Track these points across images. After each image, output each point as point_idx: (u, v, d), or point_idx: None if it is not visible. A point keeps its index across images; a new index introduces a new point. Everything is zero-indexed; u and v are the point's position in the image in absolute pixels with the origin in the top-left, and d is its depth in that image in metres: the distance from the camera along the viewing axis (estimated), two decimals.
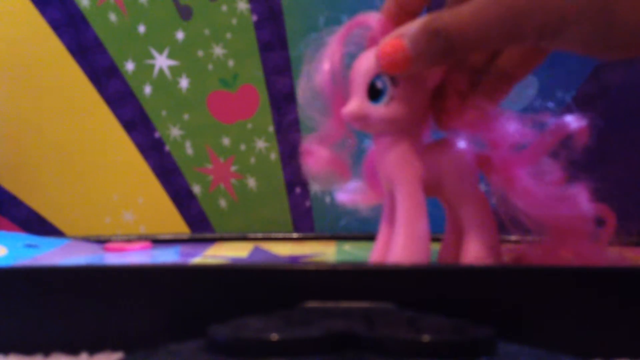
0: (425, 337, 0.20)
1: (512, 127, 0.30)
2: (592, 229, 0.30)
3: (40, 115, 0.56)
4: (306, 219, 0.56)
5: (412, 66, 0.28)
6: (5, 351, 0.26)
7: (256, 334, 0.20)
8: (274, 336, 0.20)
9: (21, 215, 0.56)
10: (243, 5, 0.54)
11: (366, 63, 0.30)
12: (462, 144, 0.31)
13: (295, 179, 0.56)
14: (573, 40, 0.25)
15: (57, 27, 0.55)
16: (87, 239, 0.48)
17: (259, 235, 0.51)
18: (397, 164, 0.30)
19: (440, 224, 0.34)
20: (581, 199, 0.30)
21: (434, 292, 0.26)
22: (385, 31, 0.30)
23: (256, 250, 0.44)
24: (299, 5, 0.54)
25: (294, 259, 0.39)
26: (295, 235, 0.51)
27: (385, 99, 0.29)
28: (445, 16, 0.27)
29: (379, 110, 0.29)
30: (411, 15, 0.30)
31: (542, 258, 0.31)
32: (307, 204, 0.56)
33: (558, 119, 0.31)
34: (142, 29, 0.55)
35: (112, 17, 0.55)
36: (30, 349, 0.26)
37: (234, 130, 0.56)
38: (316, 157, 0.32)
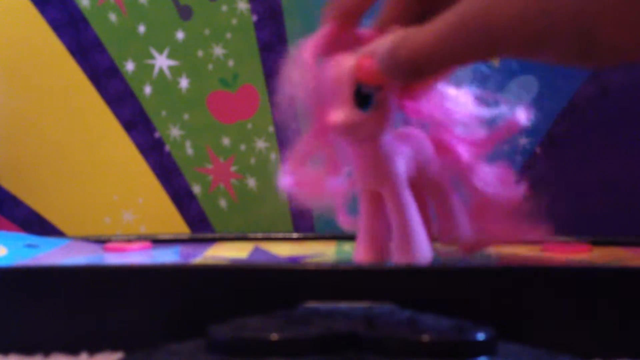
0: (425, 337, 0.20)
1: (469, 109, 0.31)
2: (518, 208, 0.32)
3: (40, 115, 0.56)
4: (306, 219, 0.56)
5: (386, 80, 0.28)
6: (5, 351, 0.26)
7: (256, 334, 0.20)
8: (274, 336, 0.20)
9: (21, 215, 0.56)
10: (243, 5, 0.54)
11: (344, 71, 0.28)
12: (419, 130, 0.32)
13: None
14: (551, 54, 0.25)
15: (57, 27, 0.55)
16: (87, 239, 0.48)
17: (259, 235, 0.51)
18: (382, 167, 0.30)
19: None
20: (508, 178, 0.32)
21: (434, 292, 0.26)
22: (335, 37, 0.30)
23: (256, 250, 0.44)
24: (299, 5, 0.54)
25: (294, 259, 0.39)
26: (295, 235, 0.51)
27: (372, 104, 0.28)
28: (413, 40, 0.27)
29: (367, 116, 0.28)
30: (356, 16, 0.30)
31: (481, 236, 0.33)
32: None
33: (511, 113, 0.32)
34: (142, 29, 0.55)
35: (112, 17, 0.55)
36: (30, 349, 0.26)
37: (234, 130, 0.56)
38: (309, 184, 0.32)
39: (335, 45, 0.30)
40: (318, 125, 0.31)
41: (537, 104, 0.33)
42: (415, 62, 0.26)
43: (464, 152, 0.32)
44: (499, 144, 0.32)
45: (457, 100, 0.31)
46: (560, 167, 0.52)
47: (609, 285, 0.26)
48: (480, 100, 0.31)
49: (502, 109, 0.32)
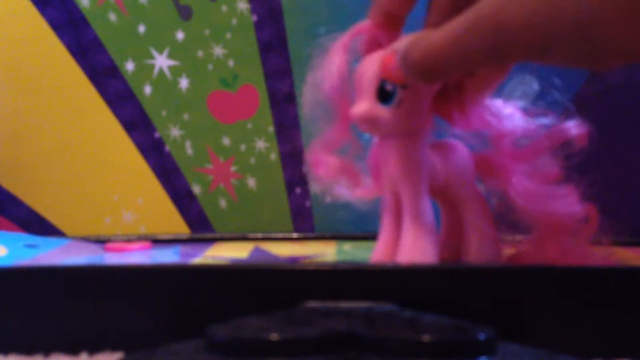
0: (425, 337, 0.20)
1: (516, 123, 0.31)
2: (579, 227, 0.31)
3: (40, 115, 0.56)
4: (306, 219, 0.56)
5: (407, 80, 0.29)
6: (5, 351, 0.26)
7: (256, 334, 0.20)
8: (274, 336, 0.20)
9: (21, 215, 0.56)
10: (243, 5, 0.54)
11: (373, 67, 0.30)
12: (463, 145, 0.32)
13: (295, 179, 0.56)
14: (558, 58, 0.25)
15: (57, 27, 0.55)
16: (87, 239, 0.48)
17: (259, 235, 0.51)
18: (404, 167, 0.31)
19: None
20: (572, 198, 0.31)
21: (434, 292, 0.26)
22: (373, 36, 0.31)
23: (256, 250, 0.44)
24: (299, 5, 0.54)
25: (294, 259, 0.39)
26: (295, 235, 0.51)
27: (395, 101, 0.29)
28: (425, 43, 0.27)
29: (389, 112, 0.29)
30: (398, 18, 0.31)
31: (532, 256, 0.32)
32: (307, 204, 0.56)
33: (558, 122, 0.31)
34: (142, 29, 0.55)
35: (112, 17, 0.55)
36: (30, 349, 0.26)
37: (234, 130, 0.56)
38: (325, 166, 0.33)
39: (374, 45, 0.31)
40: (341, 120, 0.32)
41: (536, 104, 0.32)
42: (425, 63, 0.27)
43: (518, 173, 0.31)
44: (544, 155, 0.31)
45: (506, 113, 0.31)
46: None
47: (609, 285, 0.26)
48: (527, 113, 0.31)
49: (547, 121, 0.32)
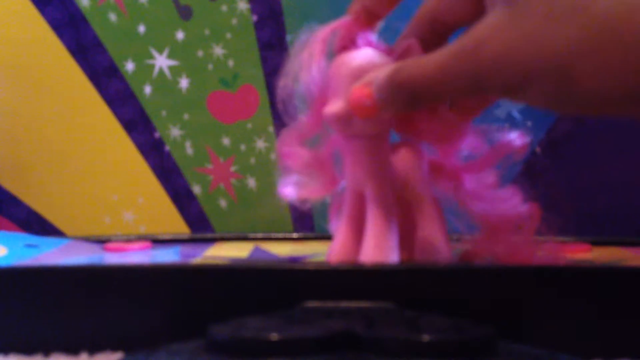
0: (425, 337, 0.20)
1: (467, 141, 0.32)
2: (523, 225, 0.33)
3: (40, 115, 0.56)
4: (306, 219, 0.56)
5: (379, 113, 0.29)
6: (5, 351, 0.26)
7: (256, 334, 0.20)
8: (274, 336, 0.20)
9: (21, 215, 0.56)
10: (243, 5, 0.54)
11: (348, 66, 0.30)
12: (422, 147, 0.33)
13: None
14: (535, 98, 0.25)
15: (57, 27, 0.55)
16: (87, 239, 0.48)
17: (259, 235, 0.51)
18: (373, 167, 0.31)
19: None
20: (516, 199, 0.32)
21: (434, 292, 0.26)
22: (349, 32, 0.31)
23: (256, 250, 0.44)
24: (299, 5, 0.54)
25: (294, 259, 0.39)
26: (295, 235, 0.51)
27: None
28: (410, 68, 0.28)
29: None
30: (376, 17, 0.31)
31: (481, 253, 0.33)
32: (307, 204, 0.56)
33: (504, 135, 0.33)
34: (142, 29, 0.55)
35: (112, 17, 0.55)
36: (30, 349, 0.26)
37: (234, 130, 0.56)
38: (296, 158, 0.33)
39: (348, 41, 0.31)
40: (315, 112, 0.32)
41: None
42: (413, 91, 0.28)
43: (466, 179, 0.33)
44: (495, 165, 0.33)
45: (470, 137, 0.32)
46: (560, 167, 0.52)
47: (609, 285, 0.26)
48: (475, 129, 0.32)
49: (494, 136, 0.33)
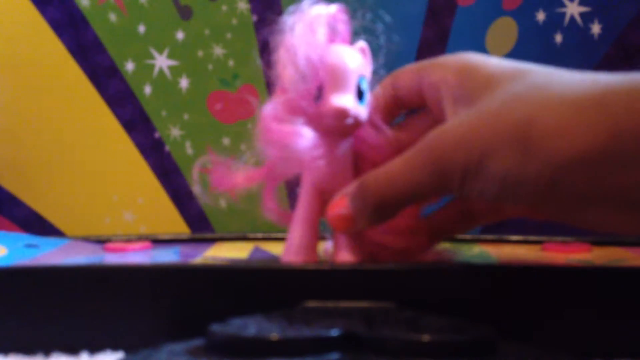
0: (425, 337, 0.20)
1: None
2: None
3: (40, 115, 0.56)
4: None
5: (355, 225, 0.29)
6: (6, 351, 0.26)
7: (256, 334, 0.20)
8: (274, 336, 0.20)
9: (21, 215, 0.56)
10: (243, 5, 0.54)
11: (350, 62, 0.30)
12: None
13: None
14: (495, 174, 0.25)
15: (57, 27, 0.55)
16: (87, 239, 0.48)
17: (259, 235, 0.51)
18: (347, 163, 0.31)
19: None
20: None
21: (434, 292, 0.26)
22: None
23: (256, 250, 0.44)
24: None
25: None
26: None
27: (365, 101, 0.30)
28: (376, 172, 0.29)
29: (363, 110, 0.30)
30: (401, 107, 0.32)
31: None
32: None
33: None
34: (142, 29, 0.55)
35: (112, 17, 0.55)
36: (31, 348, 0.26)
37: (234, 130, 0.56)
38: (279, 134, 0.31)
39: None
40: (304, 99, 0.30)
41: None
42: (380, 197, 0.28)
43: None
44: None
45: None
46: None
47: (609, 285, 0.26)
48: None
49: None
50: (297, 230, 0.32)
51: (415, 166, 0.27)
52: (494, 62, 0.28)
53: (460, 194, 0.26)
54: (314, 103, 0.30)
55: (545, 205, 0.26)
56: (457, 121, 0.27)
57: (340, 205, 0.29)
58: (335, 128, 0.30)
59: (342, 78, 0.29)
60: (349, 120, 0.29)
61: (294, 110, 0.31)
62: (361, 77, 0.30)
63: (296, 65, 0.30)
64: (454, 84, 0.28)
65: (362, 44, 0.31)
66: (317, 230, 0.32)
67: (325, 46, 0.30)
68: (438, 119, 0.29)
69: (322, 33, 0.30)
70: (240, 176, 0.33)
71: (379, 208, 0.28)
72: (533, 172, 0.24)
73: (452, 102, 0.28)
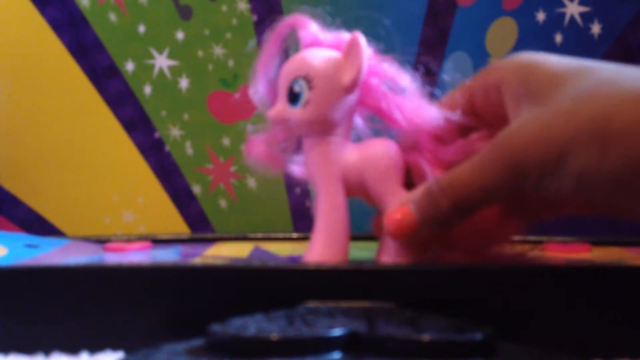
0: (425, 337, 0.20)
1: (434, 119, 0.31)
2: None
3: (40, 115, 0.56)
4: (306, 219, 0.56)
5: (419, 231, 0.29)
6: (6, 351, 0.26)
7: (256, 334, 0.20)
8: (274, 336, 0.20)
9: (21, 215, 0.56)
10: (243, 5, 0.54)
11: (288, 67, 0.31)
12: (390, 144, 0.32)
13: (295, 179, 0.56)
14: (572, 173, 0.25)
15: (57, 27, 0.55)
16: (87, 239, 0.48)
17: (259, 235, 0.51)
18: (318, 165, 0.31)
19: None
20: None
21: (434, 292, 0.26)
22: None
23: (256, 250, 0.44)
24: (299, 6, 0.54)
25: (294, 259, 0.39)
26: (295, 235, 0.51)
27: (301, 102, 0.30)
28: (447, 176, 0.28)
29: (297, 113, 0.30)
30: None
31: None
32: (307, 204, 0.56)
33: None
34: (142, 29, 0.55)
35: (112, 17, 0.55)
36: (31, 348, 0.26)
37: (234, 130, 0.56)
38: (255, 149, 0.33)
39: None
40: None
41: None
42: (452, 195, 0.28)
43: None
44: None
45: (427, 110, 0.31)
46: None
47: (609, 285, 0.26)
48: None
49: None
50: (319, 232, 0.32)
51: (489, 167, 0.27)
52: (555, 60, 0.28)
53: (536, 192, 0.26)
54: None
55: (620, 200, 0.25)
56: (528, 120, 0.26)
57: (403, 212, 0.29)
58: (285, 132, 0.32)
59: (279, 86, 0.31)
60: (280, 123, 0.31)
61: (274, 137, 0.33)
62: (295, 80, 0.30)
63: (256, 85, 0.32)
64: (516, 82, 0.28)
65: (350, 37, 0.31)
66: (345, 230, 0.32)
67: (274, 65, 0.32)
68: (494, 124, 0.29)
69: (272, 53, 0.32)
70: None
71: (454, 212, 0.28)
72: (611, 168, 0.24)
73: (514, 101, 0.28)
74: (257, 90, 0.32)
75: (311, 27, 0.32)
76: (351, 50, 0.30)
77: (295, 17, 0.32)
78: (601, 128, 0.24)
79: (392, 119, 0.31)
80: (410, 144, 0.31)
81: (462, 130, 0.31)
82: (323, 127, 0.31)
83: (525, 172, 0.26)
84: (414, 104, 0.31)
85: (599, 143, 0.24)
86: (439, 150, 0.31)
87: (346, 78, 0.30)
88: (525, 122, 0.26)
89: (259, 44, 0.55)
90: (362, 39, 0.30)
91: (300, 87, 0.30)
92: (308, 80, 0.30)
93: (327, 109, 0.30)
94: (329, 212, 0.31)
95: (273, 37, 0.32)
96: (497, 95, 0.29)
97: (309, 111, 0.30)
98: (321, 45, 0.32)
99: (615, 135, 0.24)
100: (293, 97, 0.30)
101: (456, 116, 0.30)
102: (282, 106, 0.31)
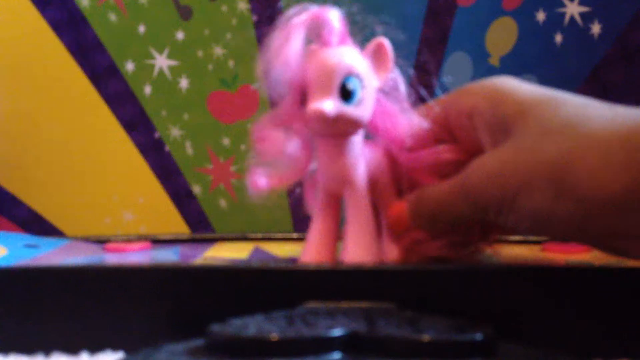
0: (425, 337, 0.20)
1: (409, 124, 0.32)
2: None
3: (40, 115, 0.56)
4: (306, 219, 0.56)
5: (410, 228, 0.31)
6: (6, 351, 0.26)
7: (256, 334, 0.20)
8: (274, 336, 0.20)
9: (21, 215, 0.56)
10: (243, 5, 0.54)
11: (333, 62, 0.29)
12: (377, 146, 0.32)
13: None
14: (529, 208, 0.26)
15: (57, 27, 0.55)
16: (87, 239, 0.48)
17: (259, 235, 0.51)
18: (353, 166, 0.31)
19: None
20: None
21: (434, 292, 0.26)
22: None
23: (256, 250, 0.44)
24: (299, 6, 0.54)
25: (294, 259, 0.39)
26: (295, 235, 0.51)
27: (356, 100, 0.29)
28: (429, 192, 0.30)
29: (351, 111, 0.29)
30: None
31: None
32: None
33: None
34: (142, 29, 0.55)
35: (112, 17, 0.55)
36: (31, 348, 0.26)
37: (234, 130, 0.56)
38: (270, 141, 0.31)
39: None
40: (291, 101, 0.31)
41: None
42: (430, 209, 0.30)
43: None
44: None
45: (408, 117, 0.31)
46: None
47: (609, 285, 0.26)
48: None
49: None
50: (316, 234, 0.33)
51: (457, 196, 0.29)
52: (525, 89, 0.28)
53: (497, 223, 0.28)
54: (301, 110, 0.30)
55: (575, 239, 0.27)
56: (494, 155, 0.27)
57: (400, 208, 0.31)
58: (324, 130, 0.30)
59: (320, 81, 0.29)
60: (330, 120, 0.29)
61: (282, 121, 0.31)
62: (348, 77, 0.29)
63: (273, 78, 0.30)
64: (488, 113, 0.29)
65: (376, 41, 0.31)
66: (334, 232, 0.32)
67: (301, 53, 0.30)
68: (467, 148, 0.30)
69: (298, 40, 0.29)
70: (275, 177, 0.33)
71: (431, 223, 0.30)
72: (565, 211, 0.25)
73: (488, 131, 0.29)
74: (274, 82, 0.30)
75: (339, 23, 0.31)
76: (380, 54, 0.31)
77: (323, 10, 0.30)
78: (558, 171, 0.25)
79: (372, 124, 0.31)
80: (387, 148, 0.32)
81: (437, 142, 0.32)
82: (362, 127, 0.31)
83: (485, 207, 0.27)
84: (390, 109, 0.31)
85: (554, 186, 0.25)
86: (407, 155, 0.31)
87: (378, 81, 0.31)
88: (491, 157, 0.28)
89: (261, 39, 0.55)
90: (388, 43, 0.31)
91: (354, 84, 0.29)
92: (360, 79, 0.30)
93: (371, 109, 0.30)
94: (367, 214, 0.31)
95: (296, 28, 0.30)
96: (468, 122, 0.30)
97: (363, 109, 0.30)
98: (347, 44, 0.31)
99: (572, 180, 0.24)
100: (346, 94, 0.29)
101: (427, 125, 0.31)
102: (334, 102, 0.29)
